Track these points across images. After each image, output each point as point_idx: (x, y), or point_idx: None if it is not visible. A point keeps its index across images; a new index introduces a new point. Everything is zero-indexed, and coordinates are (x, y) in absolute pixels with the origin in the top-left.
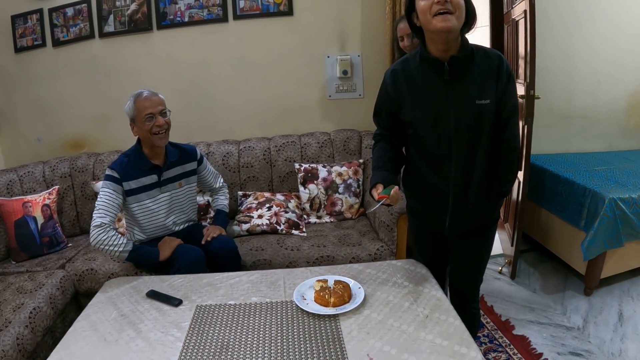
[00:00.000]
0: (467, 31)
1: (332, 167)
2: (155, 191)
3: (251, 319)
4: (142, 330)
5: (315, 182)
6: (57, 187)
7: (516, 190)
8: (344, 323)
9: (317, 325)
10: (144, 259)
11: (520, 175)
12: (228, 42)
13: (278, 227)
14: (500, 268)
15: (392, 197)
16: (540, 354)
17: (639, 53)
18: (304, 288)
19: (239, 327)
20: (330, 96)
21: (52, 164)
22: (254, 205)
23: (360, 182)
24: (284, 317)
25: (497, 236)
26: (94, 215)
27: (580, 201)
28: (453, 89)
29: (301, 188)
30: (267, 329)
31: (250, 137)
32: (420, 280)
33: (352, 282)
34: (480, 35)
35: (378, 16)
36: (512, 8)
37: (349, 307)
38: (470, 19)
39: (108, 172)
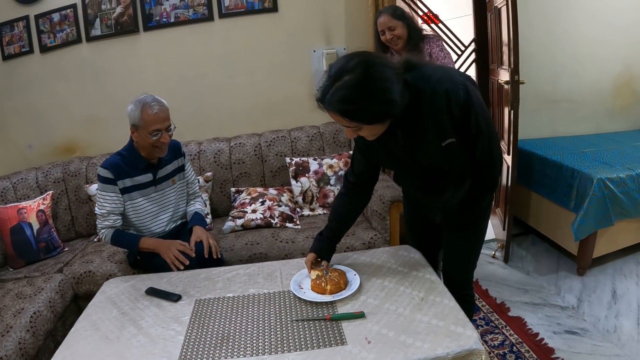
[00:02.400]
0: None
1: (322, 159)
2: (150, 189)
3: (250, 310)
4: (143, 327)
5: (306, 175)
6: (51, 192)
7: (505, 175)
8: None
9: (315, 313)
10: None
11: (509, 159)
12: (214, 40)
13: (272, 221)
14: (493, 252)
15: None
16: (537, 334)
17: (622, 28)
18: (300, 277)
19: (239, 319)
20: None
21: (44, 170)
22: (247, 201)
23: None
24: (282, 307)
25: (489, 221)
26: (98, 220)
27: (569, 183)
28: (415, 147)
29: (293, 182)
30: (266, 319)
31: (241, 133)
32: (415, 264)
33: (347, 270)
34: (464, 24)
35: (361, 9)
36: None
37: (345, 293)
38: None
39: (102, 172)
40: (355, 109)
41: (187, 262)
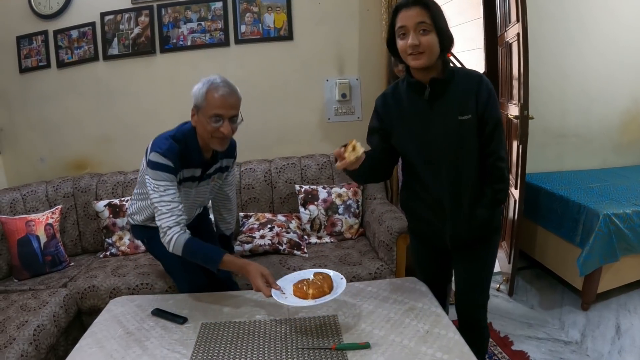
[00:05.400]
0: (446, 53)
1: (331, 188)
2: (192, 184)
3: (255, 336)
4: (148, 348)
5: (315, 203)
6: (60, 206)
7: (512, 209)
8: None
9: (320, 342)
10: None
11: (516, 193)
12: (230, 65)
13: (280, 247)
14: (498, 285)
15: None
16: None
17: (630, 66)
18: (283, 283)
19: (244, 345)
20: (329, 119)
21: (55, 184)
22: (255, 226)
23: (360, 203)
24: (287, 334)
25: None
26: (161, 217)
27: (575, 218)
28: (435, 107)
29: (302, 209)
30: (271, 347)
31: (252, 159)
32: (420, 297)
33: (332, 273)
34: (475, 57)
35: (375, 41)
36: (506, 31)
37: (329, 297)
38: (446, 44)
39: (159, 159)
40: (438, 13)
41: (270, 295)
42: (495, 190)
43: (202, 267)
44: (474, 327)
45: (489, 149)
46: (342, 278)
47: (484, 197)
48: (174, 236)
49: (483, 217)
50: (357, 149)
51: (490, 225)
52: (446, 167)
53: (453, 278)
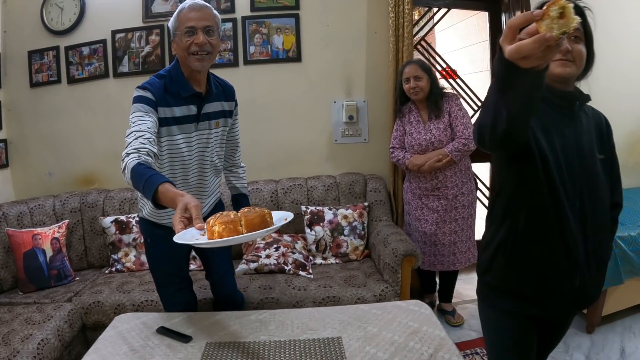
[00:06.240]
0: (582, 79)
1: (337, 209)
2: (190, 126)
3: (260, 357)
4: None
5: (321, 224)
6: (67, 221)
7: None
8: None
9: None
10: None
11: None
12: (238, 86)
13: (285, 267)
14: None
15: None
16: None
17: (636, 88)
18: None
19: None
20: (336, 140)
21: (62, 198)
22: (261, 246)
23: (365, 225)
24: (292, 356)
25: None
26: (124, 150)
27: None
28: (583, 141)
29: (307, 230)
30: None
31: (258, 179)
32: (425, 320)
33: (275, 213)
34: (480, 80)
35: (382, 63)
36: None
37: (240, 238)
38: (588, 66)
39: (138, 92)
40: (587, 24)
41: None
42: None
43: (186, 284)
44: None
45: (614, 198)
46: (286, 219)
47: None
48: (127, 162)
49: (603, 278)
50: (569, 17)
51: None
52: (587, 202)
53: None
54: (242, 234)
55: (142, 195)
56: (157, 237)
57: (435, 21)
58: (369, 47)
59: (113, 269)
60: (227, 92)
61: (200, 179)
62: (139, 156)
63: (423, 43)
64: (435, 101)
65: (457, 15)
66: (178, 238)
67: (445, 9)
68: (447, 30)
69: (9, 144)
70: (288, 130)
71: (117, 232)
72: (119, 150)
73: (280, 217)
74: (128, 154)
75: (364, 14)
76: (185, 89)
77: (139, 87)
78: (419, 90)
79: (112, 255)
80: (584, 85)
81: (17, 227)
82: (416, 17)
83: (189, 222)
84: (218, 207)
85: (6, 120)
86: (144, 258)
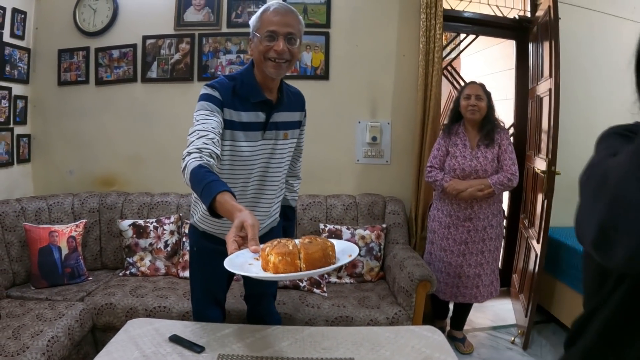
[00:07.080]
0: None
1: (355, 229)
2: (257, 134)
3: None
4: None
5: None
6: (84, 220)
7: (533, 262)
8: None
9: None
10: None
11: (538, 247)
12: None
13: (300, 284)
14: (513, 338)
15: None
16: None
17: None
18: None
19: None
20: (358, 160)
21: (81, 197)
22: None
23: (382, 247)
24: None
25: (511, 306)
26: (186, 149)
27: None
28: None
29: None
30: None
31: None
32: (437, 347)
33: (339, 243)
34: (505, 108)
35: (409, 86)
36: (538, 84)
37: (300, 274)
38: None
39: (205, 90)
40: None
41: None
42: None
43: (219, 302)
44: None
45: None
46: (350, 255)
47: None
48: (188, 162)
49: None
50: None
51: None
52: None
53: None
54: (300, 269)
55: (196, 198)
56: (205, 249)
57: (462, 47)
58: (397, 69)
59: (127, 272)
60: (298, 102)
61: (258, 191)
62: (200, 157)
63: (449, 68)
64: (491, 130)
65: (484, 42)
66: (229, 263)
67: (474, 36)
68: (473, 55)
69: (33, 140)
70: (311, 147)
71: (134, 235)
72: (141, 154)
73: (344, 251)
74: (189, 153)
75: (393, 37)
76: (255, 94)
77: (207, 85)
78: (477, 110)
79: (128, 259)
80: None
81: (35, 223)
82: (444, 42)
83: (243, 242)
84: (274, 231)
85: (31, 116)
86: (159, 264)
